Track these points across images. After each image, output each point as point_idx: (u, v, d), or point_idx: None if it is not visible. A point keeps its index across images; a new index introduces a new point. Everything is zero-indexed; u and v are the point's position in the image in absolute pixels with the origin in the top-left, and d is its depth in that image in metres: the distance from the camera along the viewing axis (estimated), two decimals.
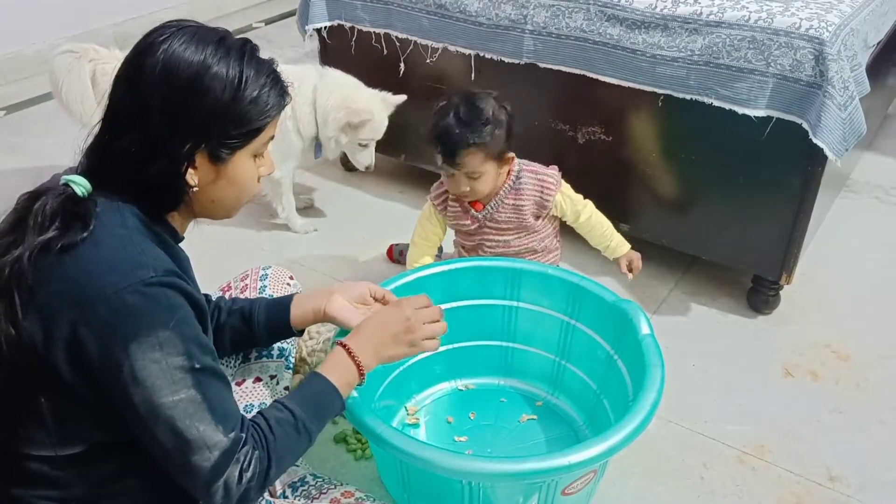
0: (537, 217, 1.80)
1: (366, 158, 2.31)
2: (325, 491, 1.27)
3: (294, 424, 1.11)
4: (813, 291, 2.16)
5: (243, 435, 1.04)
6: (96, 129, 1.07)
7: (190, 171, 1.06)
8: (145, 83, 1.03)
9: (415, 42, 2.31)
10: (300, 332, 1.45)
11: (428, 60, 2.30)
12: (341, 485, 1.30)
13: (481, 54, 2.21)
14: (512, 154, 1.73)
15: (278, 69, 1.13)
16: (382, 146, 2.65)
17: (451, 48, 2.26)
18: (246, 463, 1.03)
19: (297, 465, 1.39)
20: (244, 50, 1.08)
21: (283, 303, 1.41)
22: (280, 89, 1.12)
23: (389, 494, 1.51)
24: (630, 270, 1.86)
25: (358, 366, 1.22)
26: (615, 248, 1.87)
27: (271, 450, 1.08)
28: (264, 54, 1.13)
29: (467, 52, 2.23)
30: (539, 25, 2.05)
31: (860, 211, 2.57)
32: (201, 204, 1.12)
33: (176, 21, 1.09)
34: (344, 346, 1.23)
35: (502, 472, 1.19)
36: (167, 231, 1.12)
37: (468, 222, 1.81)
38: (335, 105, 2.22)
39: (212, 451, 0.99)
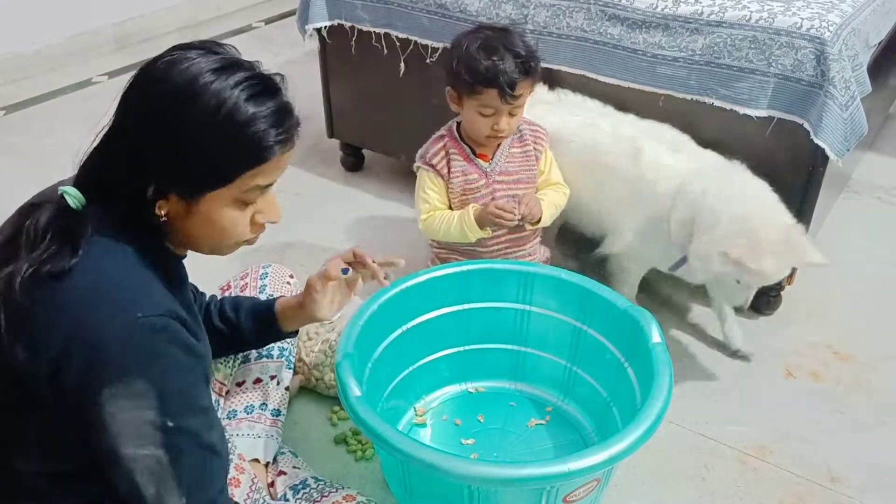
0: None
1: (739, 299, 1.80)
2: (326, 494, 1.27)
3: None
4: (814, 292, 2.15)
5: None
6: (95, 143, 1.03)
7: (160, 201, 0.99)
8: (129, 107, 0.99)
9: (415, 42, 2.31)
10: (295, 333, 1.46)
11: (428, 60, 2.30)
12: (343, 488, 1.30)
13: None
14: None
15: (294, 112, 1.01)
16: (382, 146, 2.66)
17: None
18: None
19: (298, 468, 1.39)
20: (237, 87, 0.96)
21: (269, 310, 1.40)
22: (279, 135, 0.98)
23: (392, 496, 1.50)
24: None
25: None
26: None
27: None
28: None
29: None
30: (539, 25, 2.05)
31: (862, 211, 2.56)
32: (179, 237, 1.05)
33: (183, 45, 1.01)
34: None
35: (499, 476, 1.18)
36: (162, 250, 1.07)
37: (476, 176, 1.76)
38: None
39: None
